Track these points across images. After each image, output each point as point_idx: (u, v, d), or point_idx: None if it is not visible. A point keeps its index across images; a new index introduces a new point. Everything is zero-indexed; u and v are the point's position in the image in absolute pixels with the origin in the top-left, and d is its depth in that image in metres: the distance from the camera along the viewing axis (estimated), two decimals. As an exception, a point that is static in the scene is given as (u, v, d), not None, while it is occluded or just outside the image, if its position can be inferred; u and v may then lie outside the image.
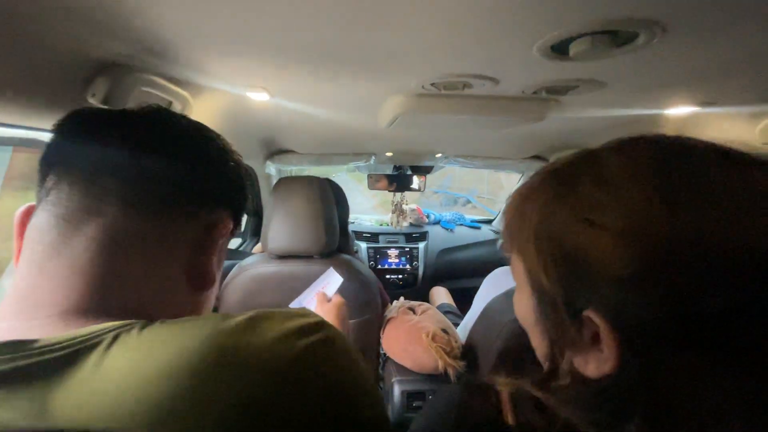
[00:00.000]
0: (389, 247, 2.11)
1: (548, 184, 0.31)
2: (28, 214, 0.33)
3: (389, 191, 2.10)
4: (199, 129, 0.37)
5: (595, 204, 0.27)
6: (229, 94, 0.81)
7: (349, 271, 1.12)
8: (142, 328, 0.26)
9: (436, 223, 2.38)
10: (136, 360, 0.24)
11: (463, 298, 1.62)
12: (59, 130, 0.34)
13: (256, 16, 0.40)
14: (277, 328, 0.27)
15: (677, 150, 0.27)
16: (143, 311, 0.30)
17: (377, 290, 1.29)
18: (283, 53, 0.54)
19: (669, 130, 0.30)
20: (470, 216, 2.49)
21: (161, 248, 0.32)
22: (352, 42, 0.49)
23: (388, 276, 2.09)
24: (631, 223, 0.25)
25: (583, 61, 0.50)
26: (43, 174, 0.32)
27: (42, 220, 0.31)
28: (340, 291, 0.88)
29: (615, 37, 0.45)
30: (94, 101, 0.53)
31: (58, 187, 0.31)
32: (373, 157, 1.66)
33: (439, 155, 1.64)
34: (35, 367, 0.23)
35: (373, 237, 2.19)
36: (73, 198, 0.31)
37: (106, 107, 0.46)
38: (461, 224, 2.39)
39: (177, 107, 0.70)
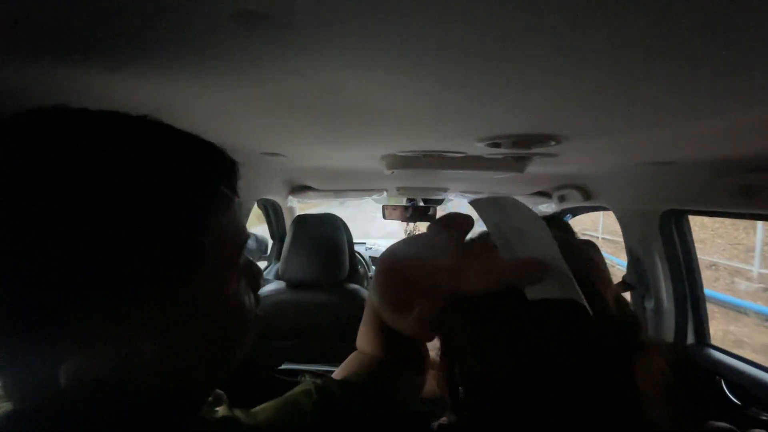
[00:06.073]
0: (403, 273, 2.21)
1: None
2: None
3: (404, 221, 2.23)
4: None
5: None
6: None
7: (353, 299, 1.26)
8: None
9: (450, 250, 2.47)
10: None
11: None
12: None
13: (278, 96, 0.46)
14: None
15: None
16: None
17: None
18: (294, 127, 0.66)
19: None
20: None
21: None
22: (345, 120, 0.58)
23: (401, 301, 2.18)
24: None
25: (515, 152, 0.62)
26: None
27: None
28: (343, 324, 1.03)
29: (532, 137, 0.57)
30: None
31: None
32: (385, 192, 1.80)
33: (447, 191, 1.77)
34: None
35: (388, 263, 2.30)
36: None
37: None
38: (475, 252, 2.46)
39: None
